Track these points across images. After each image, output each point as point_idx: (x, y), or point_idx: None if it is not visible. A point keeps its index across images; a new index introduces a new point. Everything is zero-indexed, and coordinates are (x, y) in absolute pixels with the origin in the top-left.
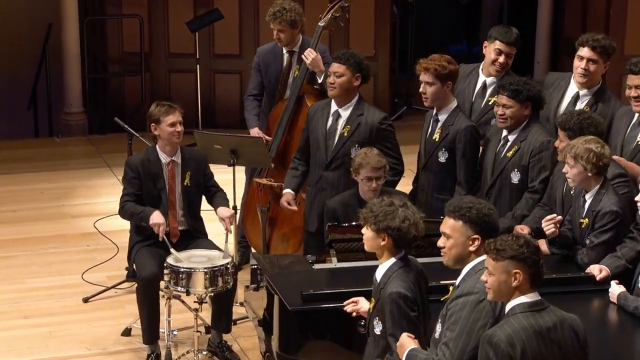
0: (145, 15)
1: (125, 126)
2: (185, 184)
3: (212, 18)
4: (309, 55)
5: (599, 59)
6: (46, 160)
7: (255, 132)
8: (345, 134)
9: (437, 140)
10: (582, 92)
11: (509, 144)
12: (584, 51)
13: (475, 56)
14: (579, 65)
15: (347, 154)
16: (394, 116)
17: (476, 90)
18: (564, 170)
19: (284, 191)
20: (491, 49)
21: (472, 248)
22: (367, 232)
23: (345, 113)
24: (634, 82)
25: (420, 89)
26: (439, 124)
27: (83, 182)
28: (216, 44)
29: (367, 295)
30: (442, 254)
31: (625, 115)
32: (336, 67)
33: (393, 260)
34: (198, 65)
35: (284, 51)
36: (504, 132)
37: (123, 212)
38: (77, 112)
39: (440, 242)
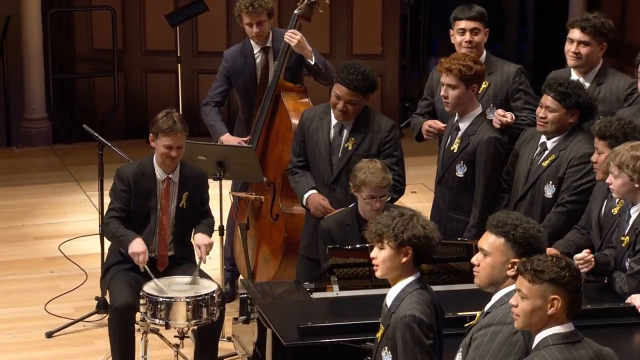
0: (118, 7)
1: (95, 134)
2: (181, 205)
3: (195, 10)
4: (293, 37)
5: (590, 40)
6: (4, 174)
7: (229, 139)
8: (350, 148)
9: (455, 151)
10: (582, 78)
11: (546, 152)
12: (573, 33)
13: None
14: (569, 48)
15: None
16: (403, 123)
17: None
18: (607, 181)
19: (308, 194)
20: (455, 33)
21: (510, 272)
22: (382, 252)
23: (348, 124)
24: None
25: (442, 92)
26: (459, 133)
27: (46, 199)
28: (200, 40)
29: (374, 329)
30: (474, 272)
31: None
32: (349, 94)
33: (407, 281)
34: (179, 64)
35: (256, 51)
36: (542, 138)
37: (106, 231)
38: (39, 118)
39: (475, 260)
